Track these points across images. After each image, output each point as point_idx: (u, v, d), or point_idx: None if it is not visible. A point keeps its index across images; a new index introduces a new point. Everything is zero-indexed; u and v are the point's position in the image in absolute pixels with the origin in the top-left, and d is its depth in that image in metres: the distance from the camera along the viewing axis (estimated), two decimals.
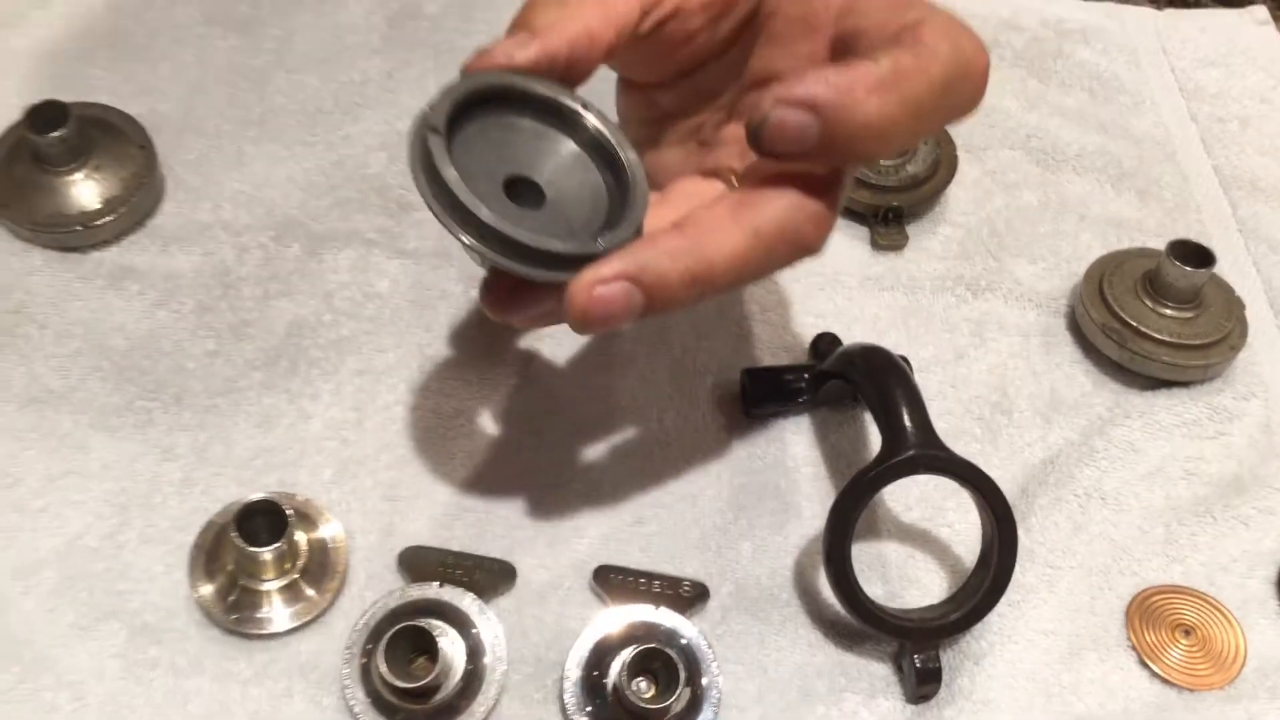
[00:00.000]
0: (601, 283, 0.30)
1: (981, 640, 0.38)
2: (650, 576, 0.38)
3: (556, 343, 0.44)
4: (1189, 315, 0.44)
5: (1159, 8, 0.60)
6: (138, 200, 0.45)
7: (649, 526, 0.40)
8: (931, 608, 0.37)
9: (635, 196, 0.32)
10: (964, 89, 0.31)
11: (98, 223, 0.45)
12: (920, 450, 0.36)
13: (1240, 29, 0.59)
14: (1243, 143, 0.54)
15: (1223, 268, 0.48)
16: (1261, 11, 0.60)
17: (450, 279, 0.46)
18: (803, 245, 0.32)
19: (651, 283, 0.30)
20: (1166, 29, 0.59)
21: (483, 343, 0.44)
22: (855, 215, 0.49)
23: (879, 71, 0.29)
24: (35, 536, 0.38)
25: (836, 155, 0.31)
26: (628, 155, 0.32)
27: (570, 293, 0.30)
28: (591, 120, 0.33)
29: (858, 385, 0.39)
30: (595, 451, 0.42)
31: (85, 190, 0.45)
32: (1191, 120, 0.55)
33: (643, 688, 0.35)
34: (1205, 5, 0.61)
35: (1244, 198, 0.52)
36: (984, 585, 0.36)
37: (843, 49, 0.33)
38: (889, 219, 0.48)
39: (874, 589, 0.38)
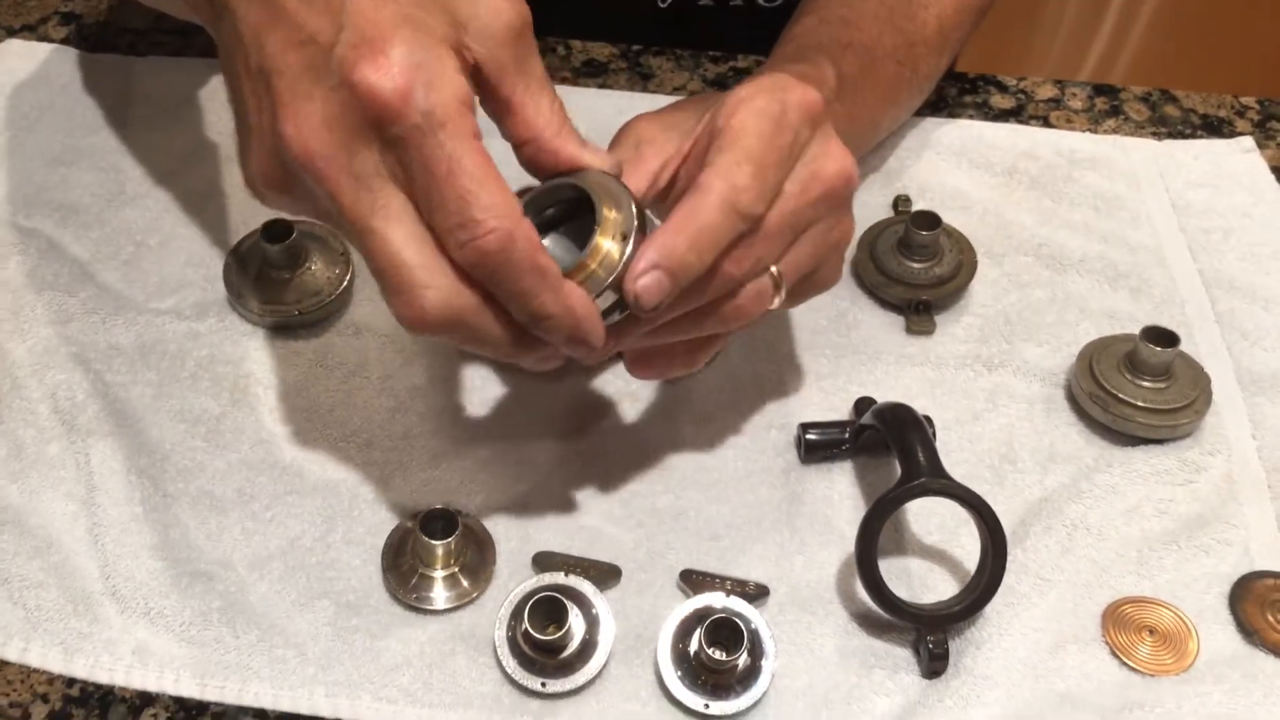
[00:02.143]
0: (639, 276, 0.41)
1: (983, 631, 0.48)
2: (723, 578, 0.49)
3: (654, 408, 0.56)
4: (1161, 386, 0.54)
5: (1159, 139, 0.72)
6: (339, 296, 0.59)
7: (723, 542, 0.51)
8: (940, 603, 0.48)
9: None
10: (742, 205, 0.42)
11: (309, 312, 0.58)
12: (929, 478, 0.47)
13: (1229, 156, 0.69)
14: (1224, 250, 0.64)
15: (1200, 350, 0.59)
16: (1248, 141, 0.71)
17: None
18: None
19: (672, 264, 0.41)
20: (1164, 156, 0.69)
21: (595, 403, 0.56)
22: (892, 306, 0.60)
23: (673, 217, 0.41)
24: (266, 538, 0.51)
25: (689, 280, 0.41)
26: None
27: (625, 292, 0.41)
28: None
29: (885, 432, 0.50)
30: (683, 485, 0.53)
31: (300, 287, 0.58)
32: (1181, 231, 0.65)
33: (716, 653, 0.46)
34: (1198, 136, 0.72)
35: (1222, 295, 0.61)
36: (981, 584, 0.47)
37: None
38: (920, 310, 0.60)
39: (899, 592, 0.48)
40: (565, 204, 0.45)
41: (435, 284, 0.39)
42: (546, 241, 0.44)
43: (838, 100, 0.56)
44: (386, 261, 0.39)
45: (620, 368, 0.57)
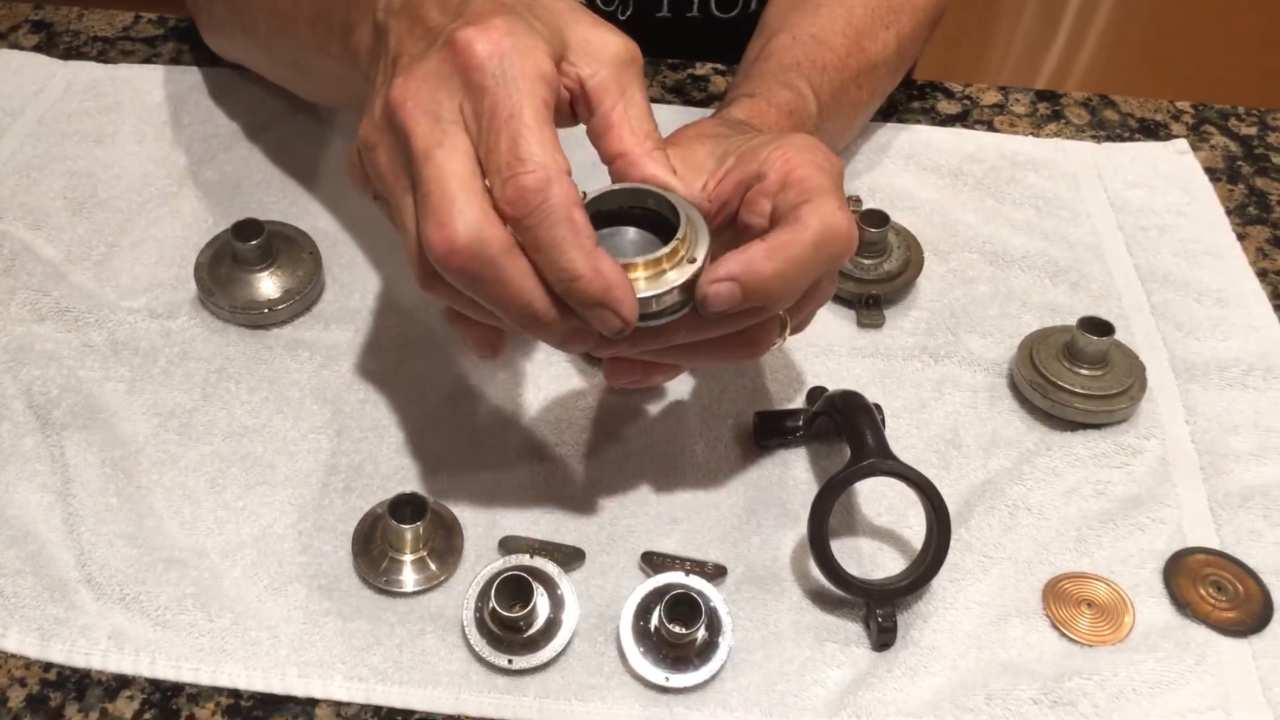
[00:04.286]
0: (714, 282, 0.42)
1: (929, 605, 0.50)
2: (683, 558, 0.51)
3: (616, 398, 0.58)
4: (1098, 373, 0.57)
5: (1098, 142, 0.75)
6: (307, 292, 0.60)
7: (683, 525, 0.53)
8: (889, 578, 0.50)
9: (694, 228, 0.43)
10: (832, 248, 0.44)
11: (279, 308, 0.59)
12: (877, 459, 0.49)
13: (1164, 157, 0.73)
14: (1159, 246, 0.67)
15: (1136, 340, 0.62)
16: (1182, 144, 0.74)
17: (533, 348, 0.60)
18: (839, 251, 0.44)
19: (751, 281, 0.42)
20: (1102, 158, 0.72)
21: (558, 394, 0.58)
22: (843, 301, 0.63)
23: (767, 243, 0.43)
24: (239, 526, 0.52)
25: (759, 301, 0.43)
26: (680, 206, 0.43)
27: (698, 289, 0.42)
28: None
29: (837, 418, 0.53)
30: (644, 472, 0.55)
31: (270, 284, 0.60)
32: (1118, 229, 0.68)
33: (675, 628, 0.48)
34: (1136, 139, 0.75)
35: (1157, 288, 0.64)
36: (927, 561, 0.49)
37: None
38: (870, 304, 0.62)
39: (850, 570, 0.50)
40: (634, 217, 0.45)
41: (471, 213, 0.40)
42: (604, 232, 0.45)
43: (817, 128, 0.59)
44: (434, 184, 0.40)
45: (582, 357, 0.59)
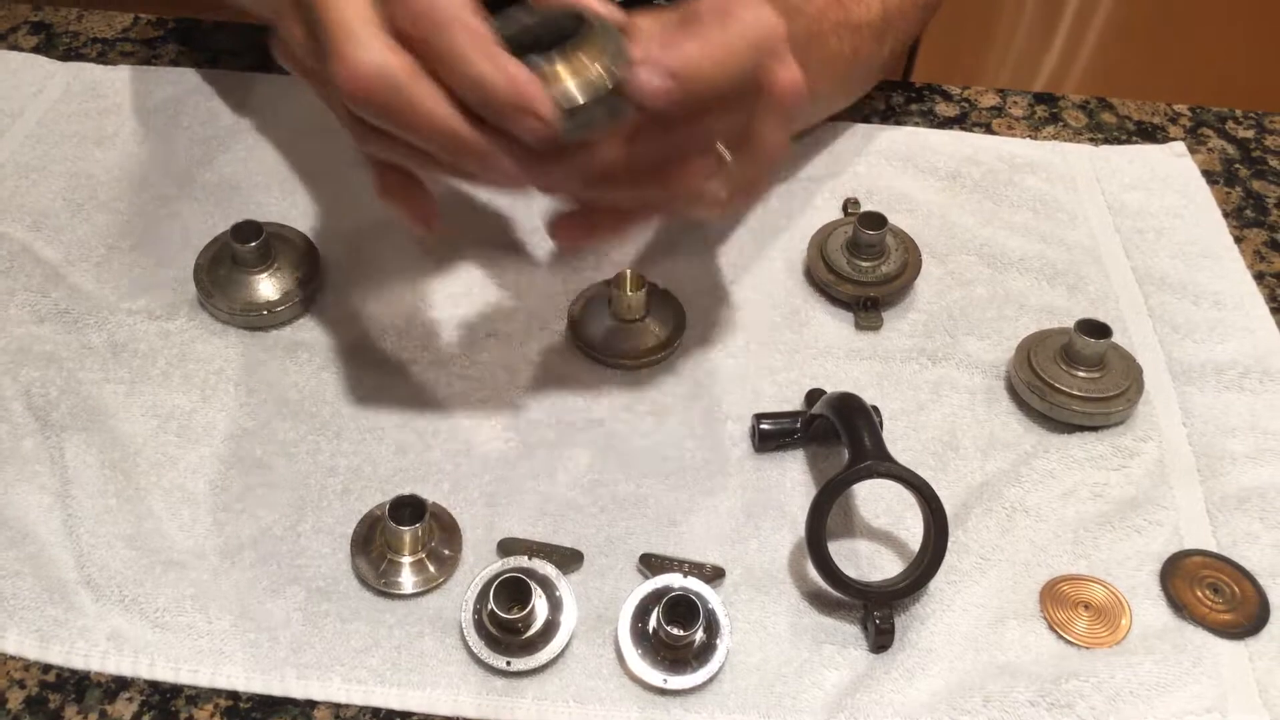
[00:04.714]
0: (644, 66, 0.41)
1: (927, 607, 0.51)
2: (681, 560, 0.52)
3: (614, 400, 0.59)
4: (1095, 375, 0.57)
5: (1095, 145, 0.75)
6: (306, 293, 0.61)
7: (681, 527, 0.53)
8: (886, 580, 0.50)
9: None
10: (764, 39, 0.44)
11: (278, 310, 0.59)
12: (875, 461, 0.49)
13: (1161, 160, 0.73)
14: (1157, 249, 0.67)
15: (1133, 343, 0.62)
16: (1180, 146, 0.74)
17: (532, 351, 0.60)
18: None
19: (688, 72, 0.41)
20: (1100, 161, 0.72)
21: (557, 397, 0.58)
22: (842, 304, 0.63)
23: (695, 33, 0.42)
24: (238, 528, 0.52)
25: (692, 87, 0.42)
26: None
27: (633, 86, 0.41)
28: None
29: (835, 420, 0.53)
30: (644, 474, 0.55)
31: (269, 286, 0.60)
32: (1116, 231, 0.68)
33: (674, 629, 0.48)
34: (1133, 142, 0.75)
35: (1154, 291, 0.65)
36: (925, 562, 0.49)
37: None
38: (868, 306, 0.62)
39: (848, 571, 0.50)
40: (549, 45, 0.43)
41: (371, 43, 0.40)
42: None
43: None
44: (333, 25, 0.40)
45: (580, 360, 0.60)
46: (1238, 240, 0.68)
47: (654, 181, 0.46)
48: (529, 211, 0.68)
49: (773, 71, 0.45)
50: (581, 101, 0.41)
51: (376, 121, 0.42)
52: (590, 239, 0.49)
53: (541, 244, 0.66)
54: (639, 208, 0.49)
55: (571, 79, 0.42)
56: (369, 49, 0.40)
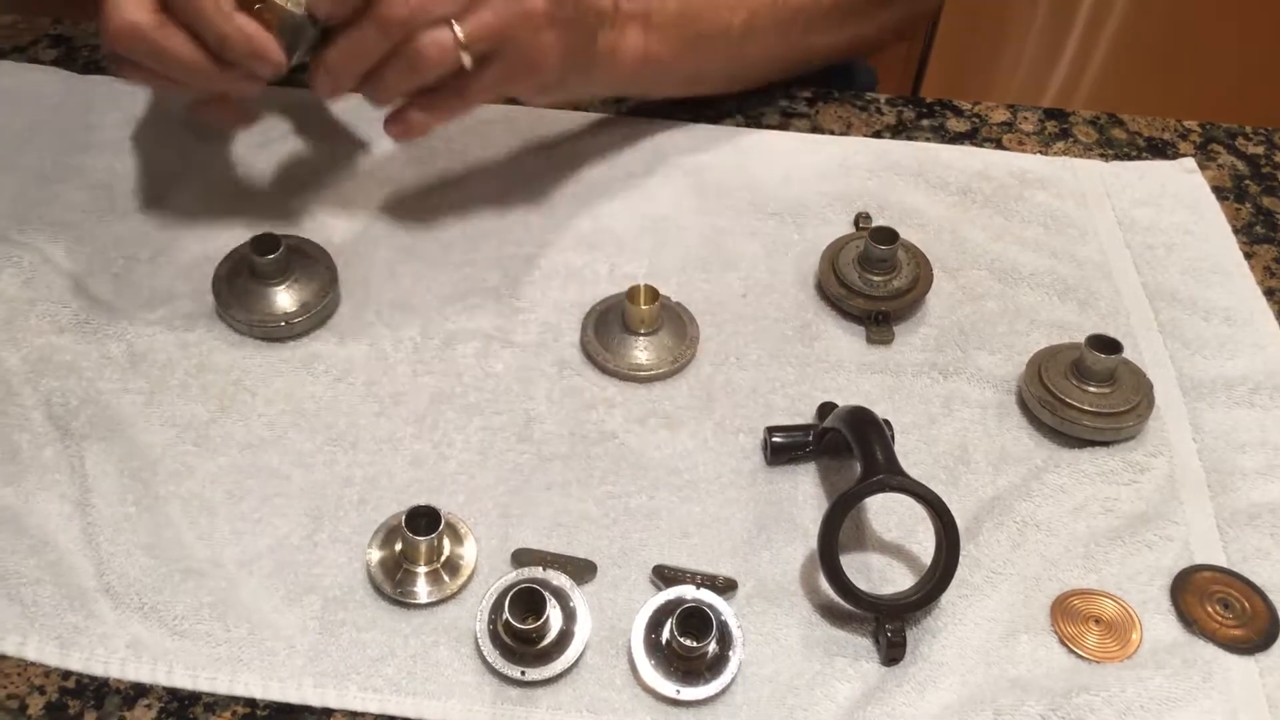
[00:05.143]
0: None
1: (938, 621, 0.51)
2: (694, 572, 0.52)
3: (628, 412, 0.59)
4: (1106, 391, 0.58)
5: (1106, 160, 0.75)
6: (324, 305, 0.61)
7: (694, 539, 0.54)
8: (898, 593, 0.50)
9: None
10: None
11: (295, 321, 0.60)
12: (888, 475, 0.50)
13: (1172, 176, 0.73)
14: (1167, 264, 0.67)
15: (1144, 358, 0.62)
16: (1190, 162, 0.74)
17: (546, 363, 0.61)
18: None
19: None
20: (1110, 176, 0.73)
21: (571, 409, 0.59)
22: (853, 318, 0.63)
23: None
24: (255, 538, 0.53)
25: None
26: None
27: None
28: None
29: (847, 434, 0.53)
30: (657, 486, 0.55)
31: (286, 298, 0.61)
32: (1126, 247, 0.68)
33: (687, 641, 0.48)
34: (1144, 158, 0.76)
35: (1165, 306, 0.65)
36: (936, 576, 0.50)
37: None
38: (879, 321, 0.63)
39: (860, 584, 0.50)
40: None
41: (128, 7, 0.53)
42: None
43: None
44: None
45: (594, 372, 0.60)
46: (1248, 256, 0.68)
47: (396, 66, 0.56)
48: (543, 224, 0.68)
49: None
50: (296, 38, 0.55)
51: (137, 59, 0.55)
52: (411, 127, 0.59)
53: (556, 257, 0.66)
54: (437, 97, 0.59)
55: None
56: (123, 11, 0.53)
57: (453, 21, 0.54)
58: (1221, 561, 0.53)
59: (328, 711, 0.48)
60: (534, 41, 0.57)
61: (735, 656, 0.49)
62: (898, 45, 1.63)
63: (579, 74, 0.63)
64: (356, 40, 0.55)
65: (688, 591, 0.50)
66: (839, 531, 0.49)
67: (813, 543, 0.52)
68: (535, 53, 0.58)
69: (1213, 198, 0.72)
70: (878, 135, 0.76)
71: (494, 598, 0.50)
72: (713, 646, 0.48)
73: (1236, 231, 0.70)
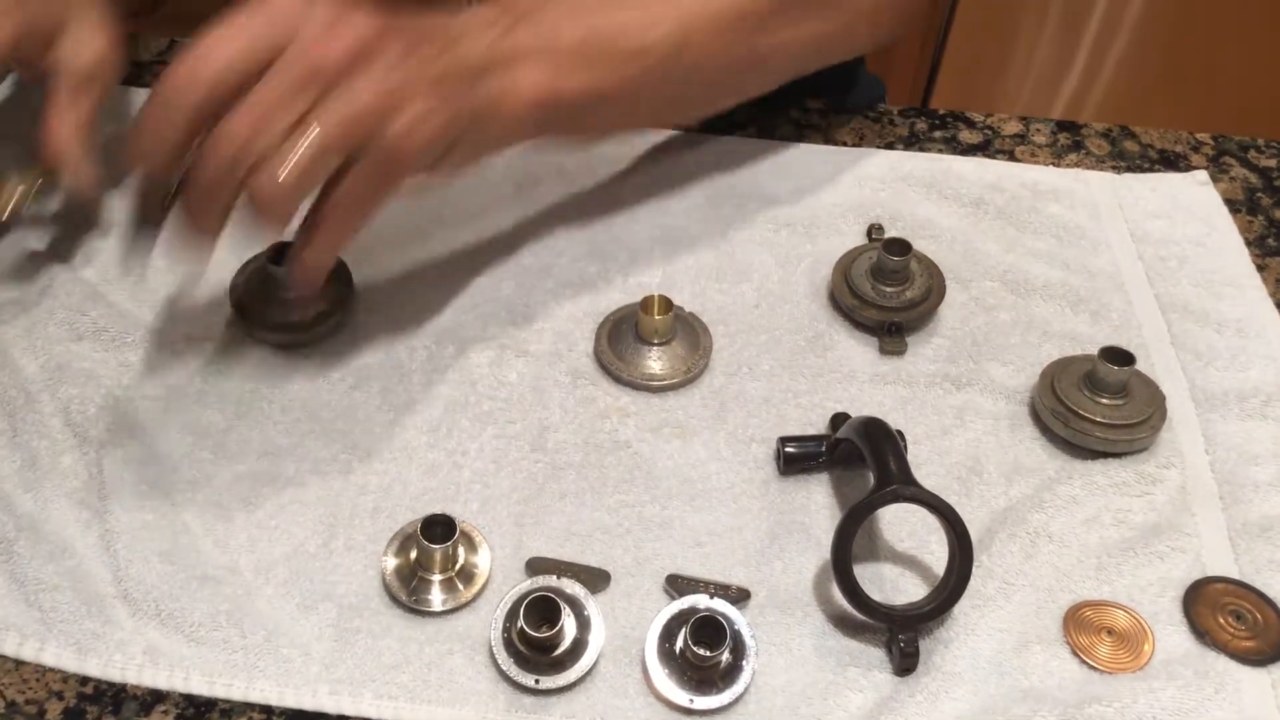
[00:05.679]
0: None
1: (951, 631, 0.51)
2: (707, 581, 0.52)
3: (641, 422, 0.59)
4: (1119, 403, 0.58)
5: (1118, 173, 0.76)
6: (341, 315, 0.62)
7: (707, 549, 0.54)
8: (911, 604, 0.50)
9: None
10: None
11: (312, 330, 0.61)
12: (901, 486, 0.50)
13: (1184, 188, 0.73)
14: (1179, 277, 0.68)
15: (1156, 370, 0.62)
16: (1202, 175, 0.75)
17: (560, 373, 0.61)
18: None
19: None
20: (1123, 189, 0.73)
21: (584, 418, 0.59)
22: (866, 328, 0.64)
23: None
24: (271, 545, 0.53)
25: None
26: None
27: None
28: None
29: (860, 444, 0.53)
30: (670, 495, 0.56)
31: (303, 307, 0.61)
32: (1139, 259, 0.68)
33: (700, 650, 0.49)
34: (1156, 170, 0.76)
35: (1177, 319, 0.65)
36: (949, 586, 0.50)
37: None
38: (892, 331, 0.63)
39: (873, 595, 0.50)
40: None
41: None
42: None
43: None
44: None
45: (607, 382, 0.61)
46: (1260, 268, 0.68)
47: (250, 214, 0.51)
48: (557, 234, 0.69)
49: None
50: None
51: None
52: (307, 271, 0.54)
53: (570, 267, 0.67)
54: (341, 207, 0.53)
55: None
56: None
57: (282, 156, 0.48)
58: (1233, 573, 0.53)
59: (343, 718, 0.48)
60: (395, 131, 0.50)
61: (748, 666, 0.49)
62: (904, 54, 1.64)
63: (473, 133, 0.54)
64: (197, 191, 0.50)
65: (701, 601, 0.51)
66: (852, 542, 0.50)
67: (826, 553, 0.52)
68: (400, 140, 0.50)
69: (1225, 210, 0.72)
70: (890, 147, 0.77)
71: (509, 605, 0.50)
72: (726, 656, 0.48)
73: (1249, 244, 0.70)
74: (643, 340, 0.61)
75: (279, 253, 0.60)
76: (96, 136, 0.62)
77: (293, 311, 0.61)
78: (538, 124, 0.58)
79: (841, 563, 0.50)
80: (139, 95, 0.77)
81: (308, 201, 0.52)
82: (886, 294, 0.63)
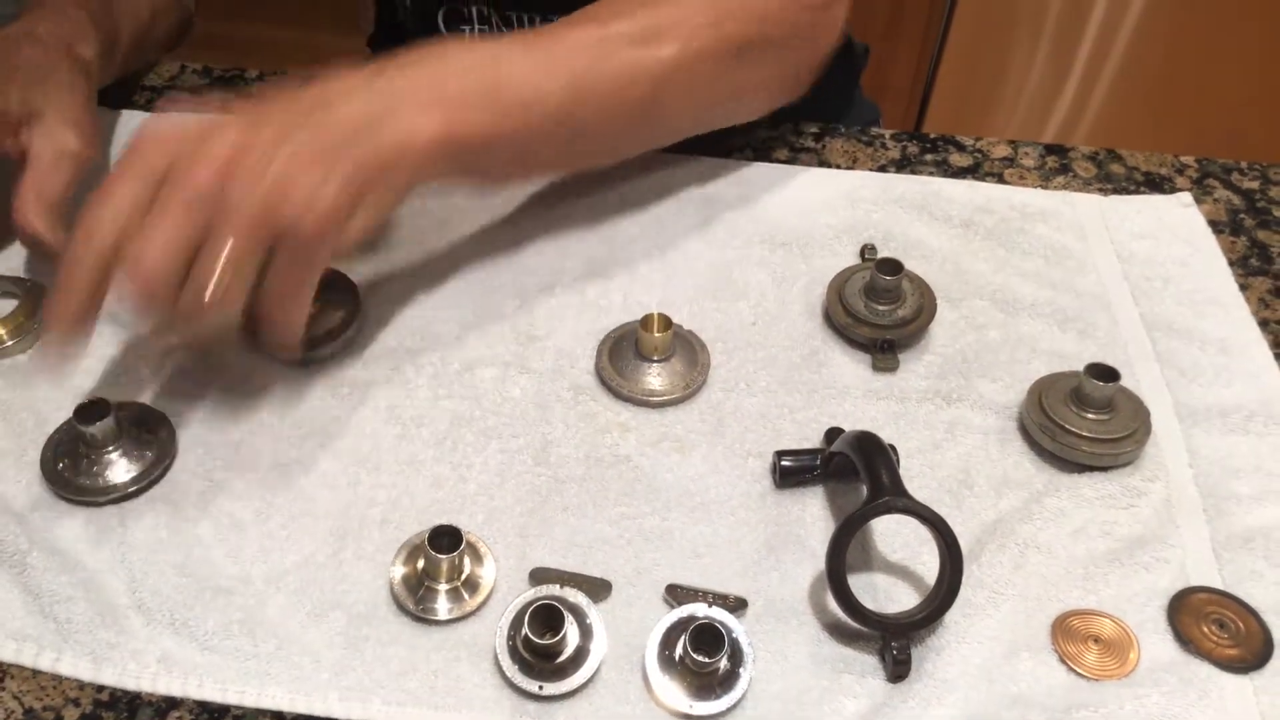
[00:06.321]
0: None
1: (942, 639, 0.52)
2: (706, 591, 0.54)
3: (641, 436, 0.61)
4: (1104, 418, 0.60)
5: (1105, 195, 0.78)
6: (350, 333, 0.63)
7: (705, 559, 0.55)
8: (904, 612, 0.52)
9: None
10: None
11: (321, 346, 0.62)
12: (893, 498, 0.52)
13: (1169, 210, 0.75)
14: (1164, 296, 0.69)
15: (1141, 387, 0.64)
16: (1187, 197, 0.76)
17: (562, 388, 0.63)
18: None
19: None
20: (1109, 210, 0.75)
21: (586, 433, 0.61)
22: (859, 346, 0.65)
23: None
24: (282, 555, 0.55)
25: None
26: None
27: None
28: None
29: (854, 458, 0.55)
30: (670, 508, 0.57)
31: (313, 324, 0.62)
32: (1124, 279, 0.70)
33: (699, 656, 0.50)
34: (1142, 192, 0.78)
35: (1162, 337, 0.67)
36: (940, 595, 0.51)
37: None
38: (884, 349, 0.65)
39: (866, 603, 0.52)
40: None
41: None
42: None
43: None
44: None
45: (608, 397, 0.62)
46: (1243, 288, 0.70)
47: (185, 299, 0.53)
48: (559, 254, 0.71)
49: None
50: None
51: None
52: (280, 345, 0.57)
53: (572, 286, 0.69)
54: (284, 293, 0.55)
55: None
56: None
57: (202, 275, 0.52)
58: (1217, 583, 0.55)
59: None
60: (293, 213, 0.52)
61: (746, 673, 0.50)
62: (899, 79, 1.66)
63: (379, 184, 0.55)
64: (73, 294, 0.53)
65: (700, 609, 0.52)
66: (846, 552, 0.51)
67: (821, 563, 0.53)
68: (301, 220, 0.52)
69: (1209, 231, 0.74)
70: (883, 169, 0.79)
71: (513, 614, 0.51)
72: (724, 663, 0.50)
73: (1232, 264, 0.72)
74: (643, 357, 0.63)
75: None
76: (70, 214, 0.59)
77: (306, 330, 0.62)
78: (439, 166, 0.58)
79: (836, 572, 0.51)
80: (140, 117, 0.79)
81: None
82: (879, 312, 0.65)
